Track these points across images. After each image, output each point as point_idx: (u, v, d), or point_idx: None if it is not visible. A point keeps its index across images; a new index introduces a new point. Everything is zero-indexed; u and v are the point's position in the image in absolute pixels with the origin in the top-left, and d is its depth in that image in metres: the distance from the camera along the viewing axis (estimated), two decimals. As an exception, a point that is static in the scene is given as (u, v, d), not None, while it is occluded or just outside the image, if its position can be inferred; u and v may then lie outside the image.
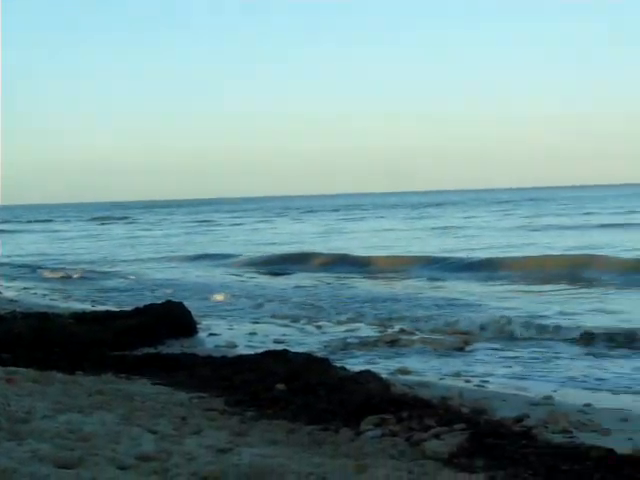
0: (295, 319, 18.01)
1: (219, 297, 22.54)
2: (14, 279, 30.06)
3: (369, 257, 34.19)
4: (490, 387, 11.03)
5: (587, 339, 14.61)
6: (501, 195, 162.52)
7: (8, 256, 41.98)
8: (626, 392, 10.89)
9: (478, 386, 11.08)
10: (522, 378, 11.84)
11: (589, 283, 24.48)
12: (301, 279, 28.84)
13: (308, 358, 11.16)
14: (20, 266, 35.76)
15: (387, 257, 33.74)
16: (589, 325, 15.81)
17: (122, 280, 29.17)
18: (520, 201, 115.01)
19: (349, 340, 15.07)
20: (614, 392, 10.88)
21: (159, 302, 16.66)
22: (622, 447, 6.83)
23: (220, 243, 50.08)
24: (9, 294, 23.19)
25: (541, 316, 17.58)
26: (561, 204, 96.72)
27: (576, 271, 26.63)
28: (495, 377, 11.88)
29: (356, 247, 40.16)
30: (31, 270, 33.67)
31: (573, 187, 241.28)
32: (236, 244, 47.97)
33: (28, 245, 54.80)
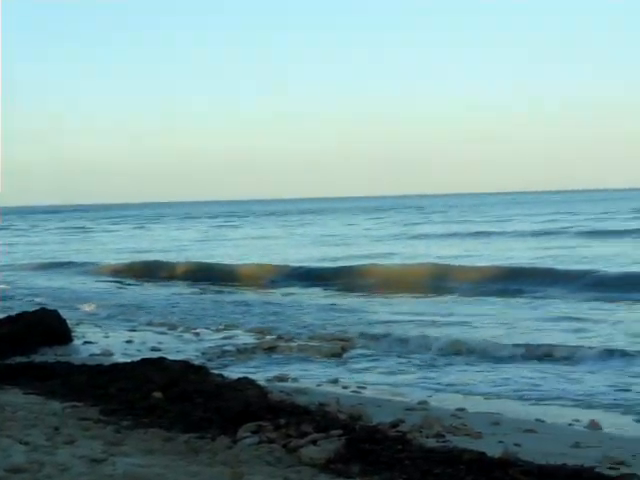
0: (172, 327, 17.85)
1: (89, 307, 22.13)
2: None
3: (237, 265, 33.80)
4: (367, 393, 11.17)
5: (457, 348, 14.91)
6: (385, 202, 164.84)
7: None
8: (497, 397, 11.20)
9: (355, 392, 11.20)
10: (398, 384, 12.03)
11: (437, 292, 25.07)
12: (174, 287, 28.60)
13: (185, 366, 11.07)
14: None
15: (258, 265, 33.38)
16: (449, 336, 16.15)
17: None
18: (403, 209, 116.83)
19: (227, 347, 15.03)
20: (486, 397, 11.17)
21: (32, 310, 16.25)
22: (493, 450, 7.01)
23: (94, 250, 49.21)
24: None
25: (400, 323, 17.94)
26: (445, 211, 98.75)
27: (425, 281, 27.28)
28: (372, 383, 12.03)
29: (230, 255, 40.03)
30: None
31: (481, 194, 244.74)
32: (108, 251, 47.26)
33: None
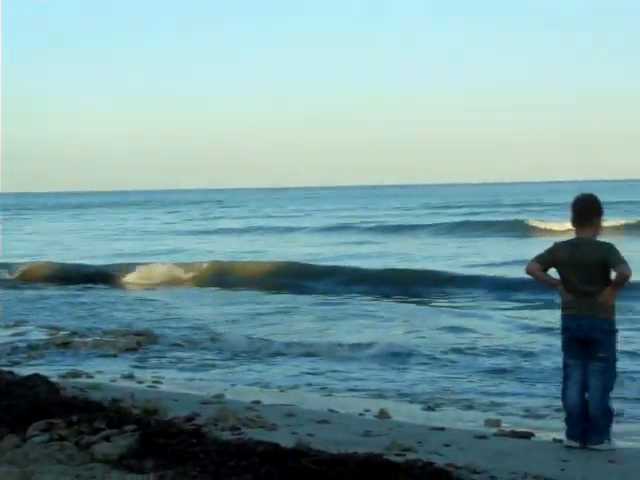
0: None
1: None
2: None
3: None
4: (163, 388, 11.09)
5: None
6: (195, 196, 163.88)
7: None
8: (292, 389, 11.41)
9: (150, 387, 11.10)
10: (195, 379, 12.02)
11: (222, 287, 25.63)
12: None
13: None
14: None
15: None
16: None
17: None
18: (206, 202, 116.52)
19: (17, 344, 14.53)
20: (281, 389, 11.34)
21: None
22: (287, 441, 7.13)
23: None
24: None
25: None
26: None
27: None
28: (168, 378, 11.97)
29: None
30: None
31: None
32: None
33: None
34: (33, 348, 14.17)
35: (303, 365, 13.14)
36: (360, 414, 9.72)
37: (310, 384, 11.76)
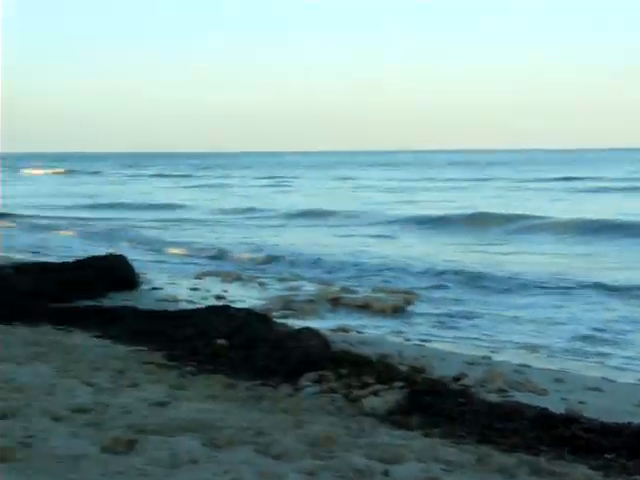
0: (237, 276, 17.94)
1: (175, 250, 22.65)
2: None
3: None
4: (429, 346, 11.11)
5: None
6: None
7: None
8: (563, 354, 11.06)
9: (417, 345, 11.15)
10: (461, 338, 11.95)
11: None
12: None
13: (249, 314, 11.11)
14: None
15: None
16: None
17: (63, 231, 29.04)
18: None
19: (291, 298, 15.06)
20: (550, 354, 11.03)
21: (101, 255, 16.48)
22: (557, 407, 6.93)
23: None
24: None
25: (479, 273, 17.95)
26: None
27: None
28: (434, 336, 11.98)
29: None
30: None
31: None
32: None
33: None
34: (305, 302, 14.63)
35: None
36: (635, 383, 9.30)
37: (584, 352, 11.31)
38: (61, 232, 28.88)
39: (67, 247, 23.77)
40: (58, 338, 9.73)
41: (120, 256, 16.15)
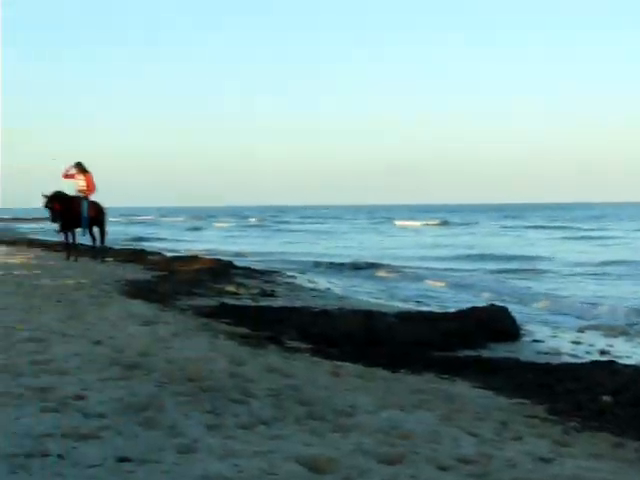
0: (623, 331, 17.20)
1: (543, 304, 22.29)
2: (342, 276, 31.09)
3: None
4: None
5: None
6: None
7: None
8: None
9: None
10: None
11: None
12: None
13: (637, 370, 10.61)
14: (339, 264, 36.50)
15: None
16: None
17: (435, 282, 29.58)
18: None
19: None
20: None
21: (481, 305, 16.62)
22: None
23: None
24: (337, 290, 24.05)
25: None
26: None
27: None
28: None
29: None
30: (352, 267, 34.61)
31: None
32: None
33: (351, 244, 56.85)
34: None
35: None
36: None
37: None
38: (431, 282, 29.38)
39: (443, 297, 24.18)
40: (442, 387, 9.89)
41: (501, 307, 16.17)
